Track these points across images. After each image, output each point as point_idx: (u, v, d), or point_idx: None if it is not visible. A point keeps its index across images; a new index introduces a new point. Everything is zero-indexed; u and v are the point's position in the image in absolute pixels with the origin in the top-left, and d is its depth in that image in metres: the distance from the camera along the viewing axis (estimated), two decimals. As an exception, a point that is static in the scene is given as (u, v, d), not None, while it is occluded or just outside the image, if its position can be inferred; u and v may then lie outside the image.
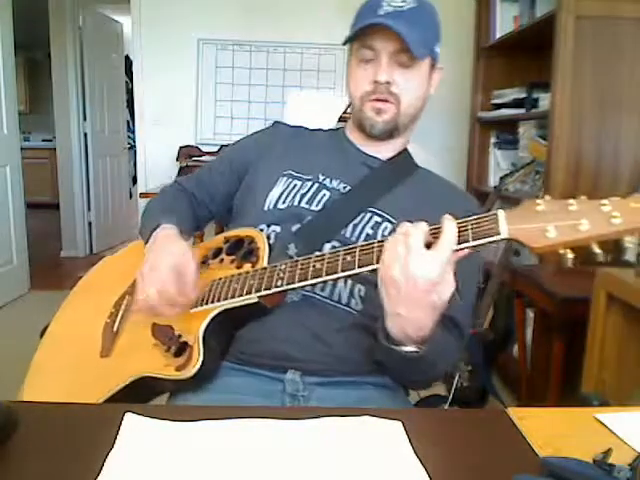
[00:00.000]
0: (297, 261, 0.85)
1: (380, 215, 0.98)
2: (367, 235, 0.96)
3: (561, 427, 0.70)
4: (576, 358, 1.56)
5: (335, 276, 0.80)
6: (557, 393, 1.82)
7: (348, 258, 0.79)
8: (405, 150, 1.08)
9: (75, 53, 4.57)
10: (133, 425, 0.66)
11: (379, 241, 0.77)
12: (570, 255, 0.65)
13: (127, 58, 5.26)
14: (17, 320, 3.14)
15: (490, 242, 0.70)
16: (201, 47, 3.46)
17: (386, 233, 0.96)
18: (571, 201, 0.66)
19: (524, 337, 2.18)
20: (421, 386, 1.07)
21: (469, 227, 0.71)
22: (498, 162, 2.91)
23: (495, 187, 2.59)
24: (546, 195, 0.69)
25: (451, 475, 0.60)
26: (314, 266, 0.82)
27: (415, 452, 0.62)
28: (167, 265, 0.87)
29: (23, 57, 6.19)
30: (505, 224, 0.68)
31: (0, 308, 3.41)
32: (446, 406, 1.86)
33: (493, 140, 2.95)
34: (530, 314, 2.22)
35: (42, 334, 1.07)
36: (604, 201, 0.64)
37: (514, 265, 2.18)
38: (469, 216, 0.72)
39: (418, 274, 0.70)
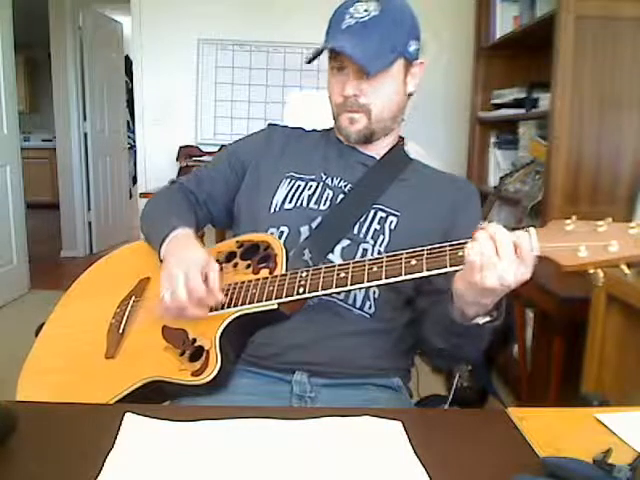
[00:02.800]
0: (320, 269, 0.85)
1: (384, 210, 0.99)
2: (375, 231, 0.97)
3: (561, 427, 0.70)
4: (576, 358, 1.56)
5: (360, 286, 0.81)
6: (557, 393, 1.82)
7: (374, 268, 0.80)
8: (397, 144, 1.08)
9: (75, 53, 4.56)
10: (133, 425, 0.66)
11: (407, 252, 0.79)
12: (601, 274, 0.68)
13: (127, 58, 5.26)
14: (17, 320, 3.14)
15: None
16: (201, 47, 3.46)
17: (393, 227, 0.97)
18: (599, 222, 0.68)
19: (524, 337, 2.17)
20: (470, 358, 1.08)
21: None
22: (498, 162, 2.91)
23: (495, 187, 2.59)
24: (573, 215, 0.71)
25: (451, 475, 0.60)
26: (338, 274, 0.82)
27: (415, 452, 0.62)
28: (195, 266, 0.86)
29: (23, 57, 6.18)
30: (537, 241, 0.70)
31: (0, 308, 3.41)
32: (446, 406, 1.86)
33: (493, 140, 2.94)
34: (530, 314, 2.21)
35: (37, 332, 1.06)
36: (632, 224, 0.67)
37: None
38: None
39: (516, 280, 0.71)
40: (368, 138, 1.02)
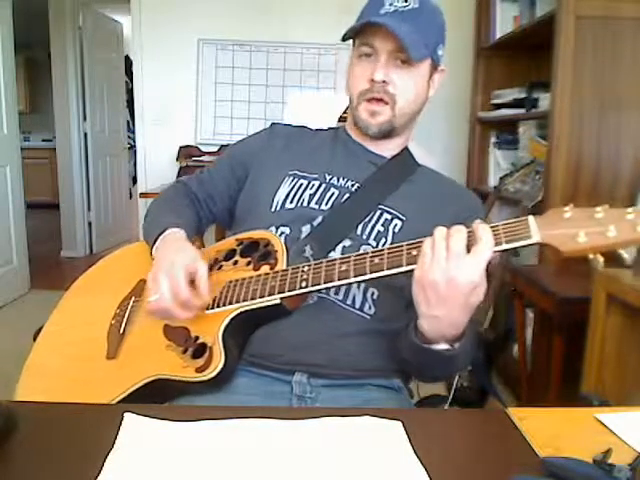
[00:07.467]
0: (321, 262, 0.85)
1: (389, 212, 0.98)
2: (378, 232, 0.96)
3: (561, 427, 0.70)
4: (576, 358, 1.56)
5: (362, 278, 0.81)
6: (557, 393, 1.82)
7: (376, 260, 0.80)
8: (406, 148, 1.08)
9: (75, 53, 4.57)
10: (133, 425, 0.66)
11: (408, 243, 0.79)
12: (601, 259, 0.69)
13: (127, 58, 5.26)
14: (17, 320, 3.14)
15: (522, 246, 0.72)
16: (201, 47, 3.46)
17: (397, 230, 0.97)
18: (597, 209, 0.70)
19: (524, 337, 2.17)
20: (439, 380, 1.09)
21: (501, 231, 0.73)
22: (498, 162, 2.91)
23: (495, 187, 2.59)
24: (570, 203, 0.73)
25: (451, 475, 0.60)
26: (340, 268, 0.82)
27: (415, 452, 0.62)
28: (180, 267, 0.86)
29: (23, 57, 6.19)
30: (537, 228, 0.71)
31: (0, 308, 3.41)
32: (446, 406, 1.86)
33: (493, 140, 2.94)
34: (530, 314, 2.22)
35: (35, 337, 1.05)
36: (629, 210, 0.68)
37: (514, 265, 2.18)
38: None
39: (461, 277, 0.72)
40: (388, 133, 1.01)
